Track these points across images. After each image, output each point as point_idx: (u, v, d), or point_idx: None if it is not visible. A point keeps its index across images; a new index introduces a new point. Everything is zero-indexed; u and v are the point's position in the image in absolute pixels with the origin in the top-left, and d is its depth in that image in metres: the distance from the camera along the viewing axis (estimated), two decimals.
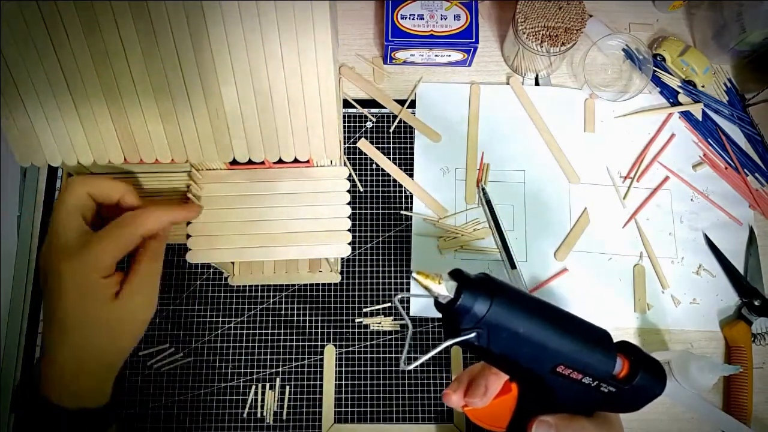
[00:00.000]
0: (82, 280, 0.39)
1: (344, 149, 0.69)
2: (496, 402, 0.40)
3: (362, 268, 0.66)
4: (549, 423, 0.36)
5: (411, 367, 0.34)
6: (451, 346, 0.32)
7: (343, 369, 0.62)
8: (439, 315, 0.35)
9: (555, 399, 0.36)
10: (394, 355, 0.63)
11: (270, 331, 0.63)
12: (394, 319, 0.64)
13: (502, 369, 0.37)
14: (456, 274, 0.33)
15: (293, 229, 0.52)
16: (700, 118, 0.71)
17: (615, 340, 0.38)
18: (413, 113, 0.71)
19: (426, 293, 0.32)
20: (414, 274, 0.32)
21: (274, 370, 0.62)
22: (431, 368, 0.62)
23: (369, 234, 0.67)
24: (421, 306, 0.64)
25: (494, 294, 0.32)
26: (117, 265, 0.42)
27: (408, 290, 0.64)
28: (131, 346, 0.43)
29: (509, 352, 0.33)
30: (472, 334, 0.32)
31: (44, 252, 0.41)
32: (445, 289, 0.32)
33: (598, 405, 0.38)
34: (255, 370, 0.62)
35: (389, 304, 0.64)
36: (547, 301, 0.35)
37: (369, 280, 0.65)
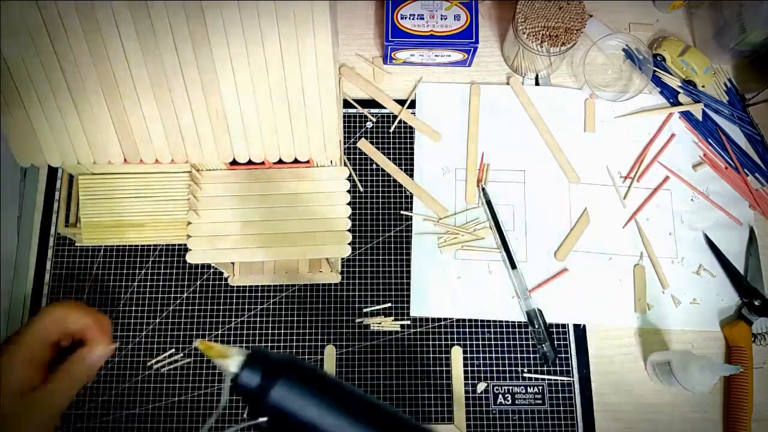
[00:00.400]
0: (9, 374, 0.40)
1: (344, 149, 0.69)
2: None
3: (362, 268, 0.66)
4: None
5: None
6: (243, 428, 0.30)
7: (343, 369, 0.62)
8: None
9: None
10: (394, 355, 0.63)
11: (270, 331, 0.63)
12: (395, 319, 0.64)
13: None
14: (252, 354, 0.30)
15: (293, 229, 0.52)
16: (700, 118, 0.71)
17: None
18: (413, 113, 0.71)
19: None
20: (196, 343, 0.30)
21: None
22: (431, 368, 0.62)
23: (369, 234, 0.67)
24: (421, 306, 0.64)
25: (280, 374, 0.29)
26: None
27: (408, 292, 0.64)
28: None
29: None
30: (263, 419, 0.29)
31: None
32: (231, 364, 0.30)
33: None
34: None
35: (389, 305, 0.64)
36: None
37: (369, 280, 0.65)
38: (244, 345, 0.63)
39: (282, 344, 0.63)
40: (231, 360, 0.30)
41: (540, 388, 0.62)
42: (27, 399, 0.41)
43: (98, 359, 0.46)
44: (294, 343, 0.63)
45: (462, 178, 0.69)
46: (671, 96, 0.72)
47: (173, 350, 0.62)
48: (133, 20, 0.44)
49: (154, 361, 0.62)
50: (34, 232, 0.66)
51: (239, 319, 0.63)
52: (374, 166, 0.69)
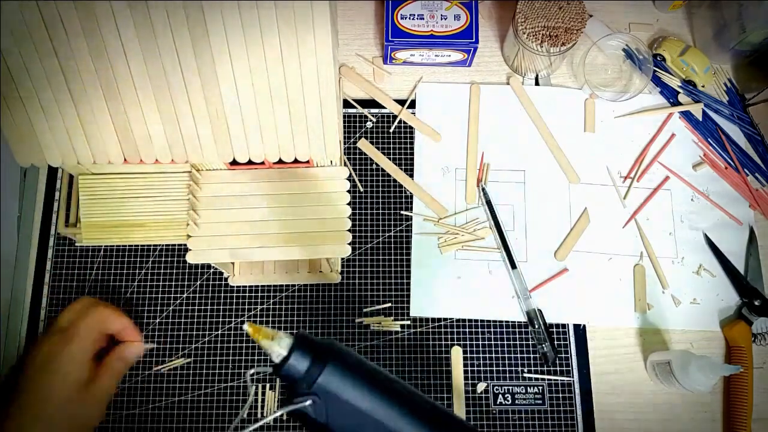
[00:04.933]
0: (72, 364, 0.48)
1: (344, 149, 0.69)
2: None
3: (362, 268, 0.66)
4: None
5: None
6: (286, 413, 0.30)
7: None
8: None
9: None
10: (394, 355, 0.63)
11: None
12: (395, 319, 0.64)
13: None
14: (297, 336, 0.31)
15: (293, 229, 0.52)
16: (700, 118, 0.71)
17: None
18: (413, 113, 0.71)
19: (271, 357, 0.30)
20: (245, 326, 0.30)
21: None
22: (431, 368, 0.62)
23: (369, 234, 0.67)
24: (421, 306, 0.64)
25: (329, 358, 0.29)
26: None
27: (408, 292, 0.64)
28: None
29: (350, 430, 0.30)
30: (308, 402, 0.29)
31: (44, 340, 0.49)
32: (278, 346, 0.30)
33: None
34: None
35: (389, 304, 0.64)
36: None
37: (369, 280, 0.65)
38: (245, 344, 0.63)
39: None
40: (279, 342, 0.30)
41: (540, 388, 0.62)
42: (84, 391, 0.48)
43: (135, 357, 0.54)
44: None
45: (462, 178, 0.69)
46: (671, 96, 0.72)
47: (173, 350, 0.62)
48: (133, 20, 0.44)
49: (160, 368, 0.62)
50: (34, 232, 0.66)
51: (239, 319, 0.63)
52: (374, 166, 0.69)
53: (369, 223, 0.67)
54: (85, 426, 0.49)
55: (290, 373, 0.30)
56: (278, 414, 0.30)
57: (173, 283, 0.64)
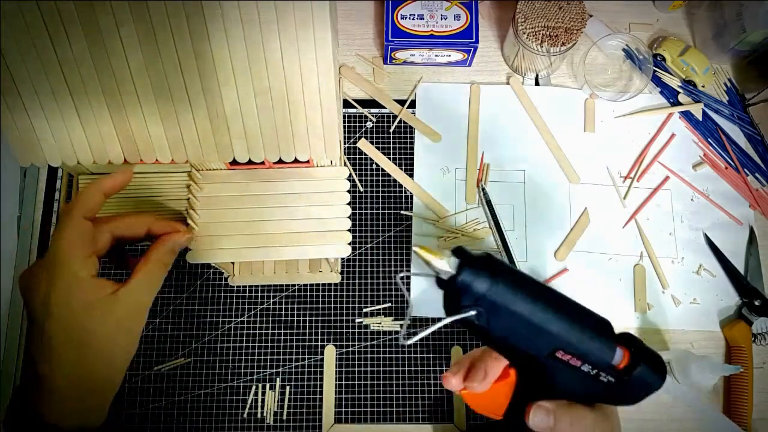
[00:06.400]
0: (69, 289, 0.38)
1: (344, 149, 0.69)
2: (494, 387, 0.39)
3: (362, 268, 0.66)
4: (547, 409, 0.35)
5: (410, 341, 0.34)
6: (452, 322, 0.33)
7: (343, 369, 0.62)
8: (440, 316, 0.34)
9: (554, 385, 0.35)
10: (394, 355, 0.63)
11: (270, 331, 0.63)
12: (395, 319, 0.64)
13: (502, 352, 0.37)
14: (458, 252, 0.33)
15: (293, 229, 0.52)
16: (700, 118, 0.71)
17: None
18: (413, 113, 0.71)
19: (427, 272, 0.32)
20: (415, 248, 0.32)
21: (274, 370, 0.62)
22: (431, 368, 0.62)
23: (369, 234, 0.67)
24: (421, 306, 0.64)
25: (496, 273, 0.32)
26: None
27: (409, 285, 0.64)
28: (128, 356, 0.41)
29: (509, 333, 0.33)
30: (472, 312, 0.32)
31: (29, 274, 0.40)
32: (446, 265, 0.32)
33: (596, 395, 0.37)
34: (255, 371, 0.62)
35: (389, 304, 0.64)
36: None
37: (369, 280, 0.65)
38: (245, 344, 0.63)
39: (282, 344, 0.63)
40: (446, 260, 0.32)
41: None
42: (113, 299, 0.39)
43: (176, 245, 0.45)
44: (294, 343, 0.63)
45: (462, 178, 0.69)
46: (671, 96, 0.72)
47: (173, 350, 0.62)
48: (133, 20, 0.44)
49: (160, 367, 0.62)
50: (34, 232, 0.66)
51: (239, 319, 0.63)
52: (374, 166, 0.69)
53: (369, 223, 0.67)
54: (120, 348, 0.40)
55: (459, 289, 0.32)
56: (446, 322, 0.33)
57: (173, 283, 0.64)
